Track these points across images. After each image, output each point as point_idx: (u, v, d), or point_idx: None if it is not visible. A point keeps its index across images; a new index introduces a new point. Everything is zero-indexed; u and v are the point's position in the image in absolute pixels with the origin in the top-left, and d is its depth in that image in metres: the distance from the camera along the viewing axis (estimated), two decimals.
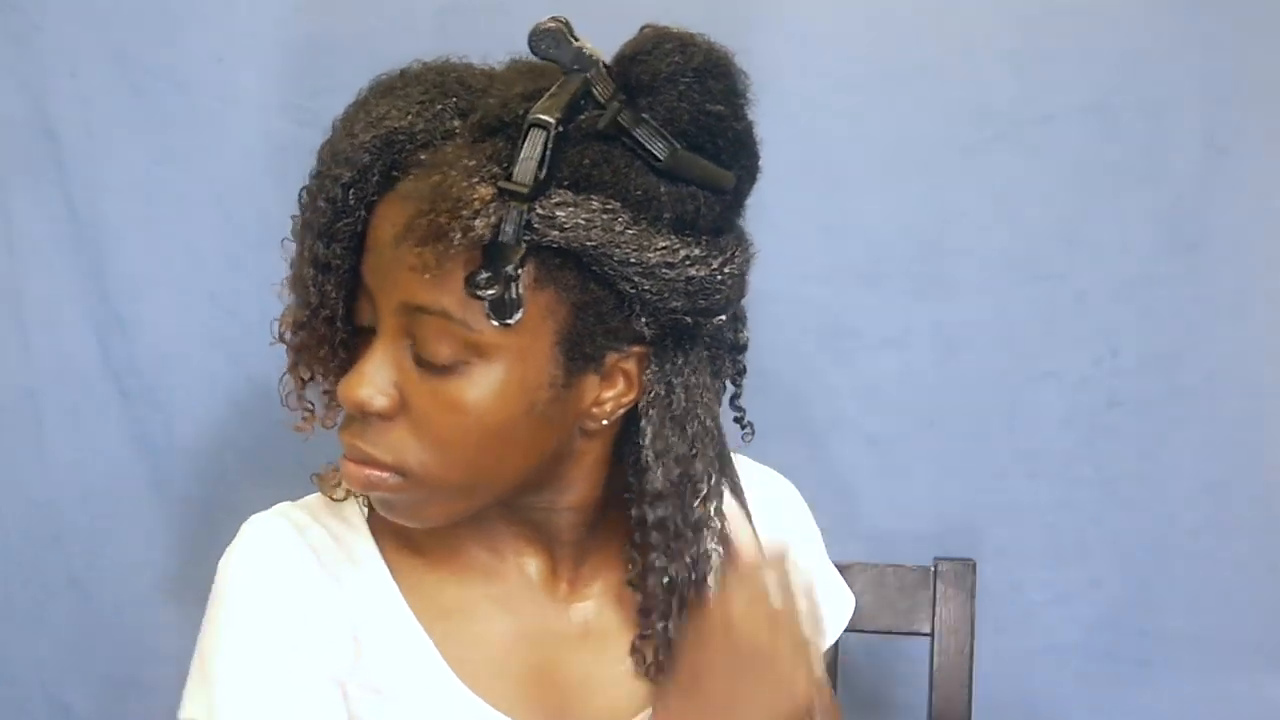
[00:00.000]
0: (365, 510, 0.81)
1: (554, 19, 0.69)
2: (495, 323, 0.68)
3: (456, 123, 0.70)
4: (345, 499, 0.80)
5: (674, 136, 0.70)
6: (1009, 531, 1.20)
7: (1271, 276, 1.17)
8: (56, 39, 1.12)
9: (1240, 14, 1.14)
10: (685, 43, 0.71)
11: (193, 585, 1.17)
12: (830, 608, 0.94)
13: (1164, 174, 1.16)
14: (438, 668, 0.78)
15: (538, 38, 0.69)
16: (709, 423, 0.78)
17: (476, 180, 0.66)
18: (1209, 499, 1.19)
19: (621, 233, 0.69)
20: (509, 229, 0.66)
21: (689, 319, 0.73)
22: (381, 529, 0.80)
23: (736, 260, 0.74)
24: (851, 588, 0.96)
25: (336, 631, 0.77)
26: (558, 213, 0.67)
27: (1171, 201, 1.16)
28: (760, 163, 0.75)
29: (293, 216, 0.74)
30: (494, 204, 0.66)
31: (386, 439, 0.72)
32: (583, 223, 0.68)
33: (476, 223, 0.65)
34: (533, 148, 0.66)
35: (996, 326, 1.18)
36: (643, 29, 0.72)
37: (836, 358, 1.19)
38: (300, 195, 0.73)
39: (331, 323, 0.73)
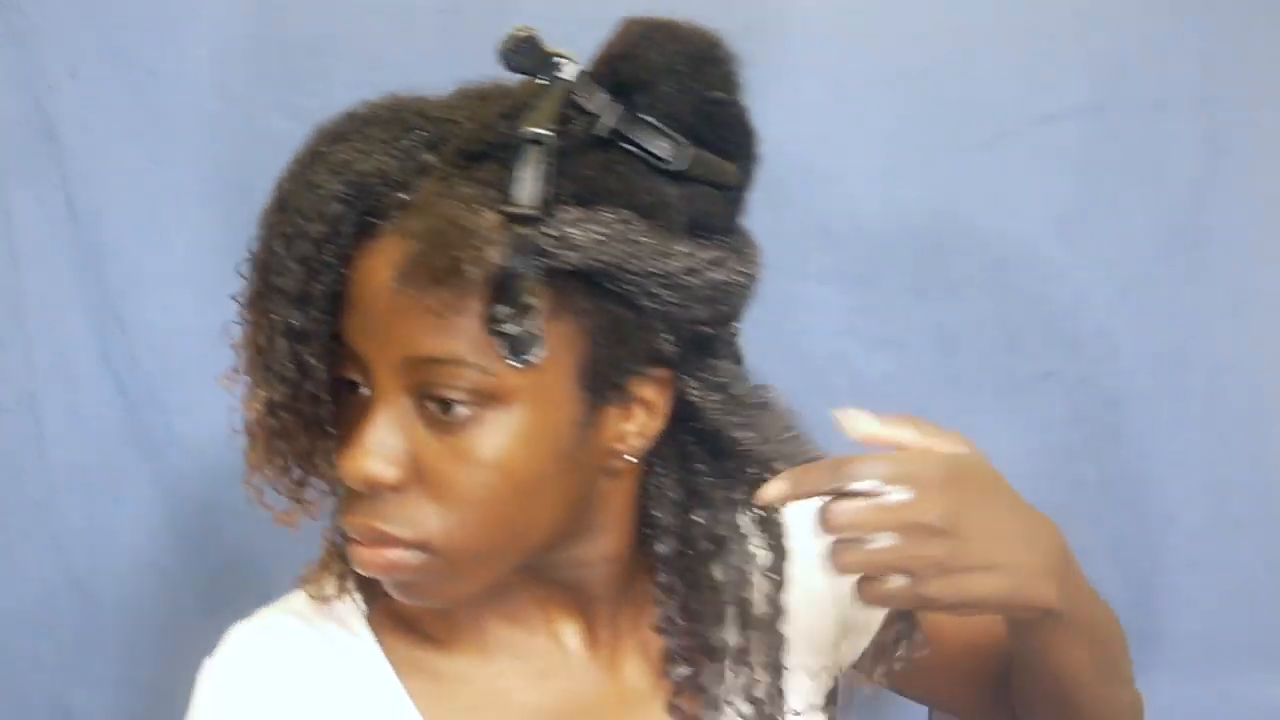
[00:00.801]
0: (364, 608, 0.74)
1: (521, 29, 0.65)
2: (515, 363, 0.62)
3: (429, 156, 0.64)
4: (337, 597, 0.73)
5: (676, 132, 0.65)
6: None
7: (1271, 276, 1.17)
8: (56, 39, 1.11)
9: (1240, 14, 1.14)
10: (675, 31, 0.66)
11: (192, 585, 1.19)
12: None
13: (1164, 174, 1.15)
14: None
15: (510, 51, 0.65)
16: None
17: (479, 208, 0.61)
18: (1209, 499, 1.19)
19: (639, 243, 0.63)
20: (522, 256, 0.61)
21: (711, 328, 0.69)
22: (385, 626, 0.74)
23: (750, 258, 0.70)
24: None
25: None
26: (570, 231, 0.62)
27: (1171, 201, 1.16)
28: (759, 152, 0.71)
29: (234, 297, 0.68)
30: (502, 231, 0.61)
31: (403, 513, 0.65)
32: (598, 238, 0.62)
33: (488, 253, 0.60)
34: (531, 166, 0.61)
35: (996, 326, 1.18)
36: (624, 23, 0.67)
37: (836, 358, 1.18)
38: (252, 264, 0.67)
39: (317, 398, 0.66)
